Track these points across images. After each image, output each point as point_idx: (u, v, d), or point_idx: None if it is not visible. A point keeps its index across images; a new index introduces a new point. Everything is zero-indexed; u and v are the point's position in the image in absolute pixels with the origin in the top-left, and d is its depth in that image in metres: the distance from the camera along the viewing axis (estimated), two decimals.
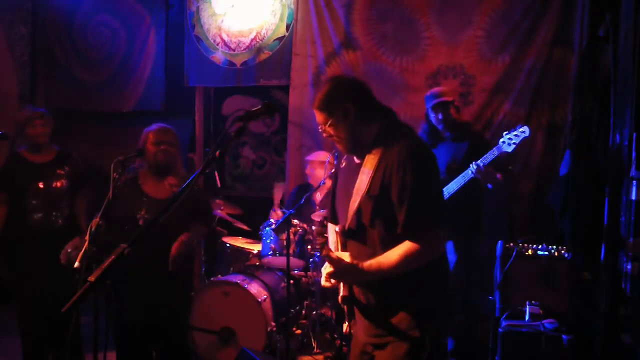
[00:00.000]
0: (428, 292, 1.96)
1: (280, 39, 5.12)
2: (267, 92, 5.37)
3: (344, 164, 2.18)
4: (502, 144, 3.40)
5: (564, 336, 2.97)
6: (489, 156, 3.42)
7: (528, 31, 4.28)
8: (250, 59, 5.22)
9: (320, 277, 2.07)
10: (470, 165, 3.43)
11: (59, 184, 3.47)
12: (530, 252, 3.30)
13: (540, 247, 3.32)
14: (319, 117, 2.01)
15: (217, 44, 5.34)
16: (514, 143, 3.37)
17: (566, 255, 3.26)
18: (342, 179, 2.16)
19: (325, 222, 4.12)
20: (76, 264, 2.60)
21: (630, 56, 3.02)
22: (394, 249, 1.86)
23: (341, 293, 2.00)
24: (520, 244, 3.33)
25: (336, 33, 4.85)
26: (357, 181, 1.96)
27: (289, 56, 5.04)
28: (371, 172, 1.92)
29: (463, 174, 3.48)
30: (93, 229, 2.66)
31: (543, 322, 3.07)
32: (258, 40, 5.19)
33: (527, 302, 3.17)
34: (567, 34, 4.20)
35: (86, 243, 2.62)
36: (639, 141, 2.93)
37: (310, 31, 4.96)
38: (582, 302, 3.31)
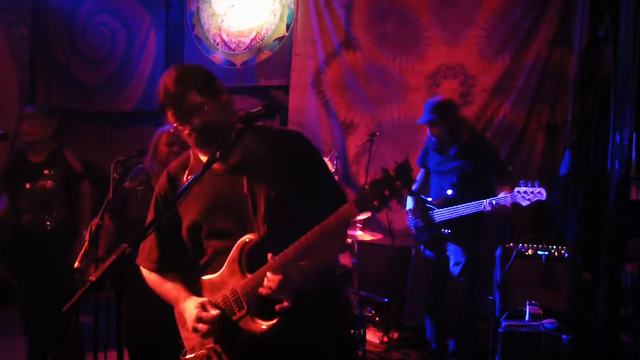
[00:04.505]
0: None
1: (280, 39, 5.12)
2: (267, 92, 5.37)
3: (187, 177, 1.91)
4: (516, 194, 3.28)
5: (564, 336, 2.97)
6: (501, 201, 3.32)
7: (528, 31, 4.28)
8: (250, 59, 5.23)
9: None
10: (484, 203, 3.36)
11: (45, 185, 3.36)
12: (530, 252, 3.30)
13: (540, 247, 3.32)
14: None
15: (217, 44, 5.34)
16: (528, 200, 3.27)
17: (566, 255, 3.26)
18: (207, 190, 1.82)
19: None
20: (76, 264, 2.60)
21: (630, 56, 3.02)
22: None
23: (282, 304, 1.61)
24: (520, 244, 3.33)
25: (336, 33, 4.85)
26: (237, 186, 1.75)
27: (289, 56, 5.04)
28: (252, 170, 1.74)
29: (476, 203, 3.39)
30: (93, 229, 2.66)
31: (543, 322, 3.07)
32: (258, 40, 5.20)
33: (527, 302, 3.17)
34: (567, 34, 4.19)
35: (86, 243, 2.62)
36: (639, 141, 2.93)
37: (310, 31, 4.96)
38: (582, 302, 3.30)
